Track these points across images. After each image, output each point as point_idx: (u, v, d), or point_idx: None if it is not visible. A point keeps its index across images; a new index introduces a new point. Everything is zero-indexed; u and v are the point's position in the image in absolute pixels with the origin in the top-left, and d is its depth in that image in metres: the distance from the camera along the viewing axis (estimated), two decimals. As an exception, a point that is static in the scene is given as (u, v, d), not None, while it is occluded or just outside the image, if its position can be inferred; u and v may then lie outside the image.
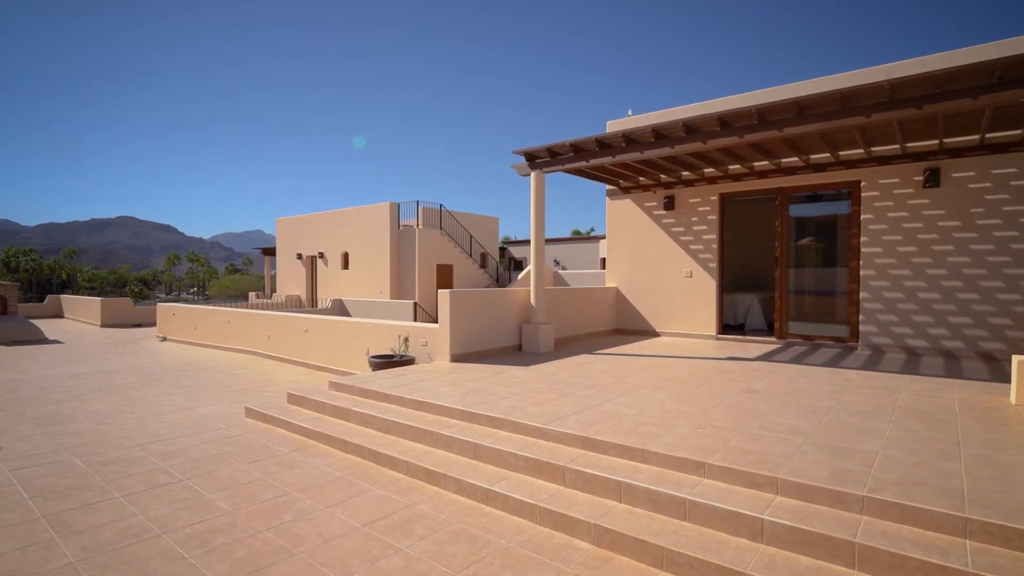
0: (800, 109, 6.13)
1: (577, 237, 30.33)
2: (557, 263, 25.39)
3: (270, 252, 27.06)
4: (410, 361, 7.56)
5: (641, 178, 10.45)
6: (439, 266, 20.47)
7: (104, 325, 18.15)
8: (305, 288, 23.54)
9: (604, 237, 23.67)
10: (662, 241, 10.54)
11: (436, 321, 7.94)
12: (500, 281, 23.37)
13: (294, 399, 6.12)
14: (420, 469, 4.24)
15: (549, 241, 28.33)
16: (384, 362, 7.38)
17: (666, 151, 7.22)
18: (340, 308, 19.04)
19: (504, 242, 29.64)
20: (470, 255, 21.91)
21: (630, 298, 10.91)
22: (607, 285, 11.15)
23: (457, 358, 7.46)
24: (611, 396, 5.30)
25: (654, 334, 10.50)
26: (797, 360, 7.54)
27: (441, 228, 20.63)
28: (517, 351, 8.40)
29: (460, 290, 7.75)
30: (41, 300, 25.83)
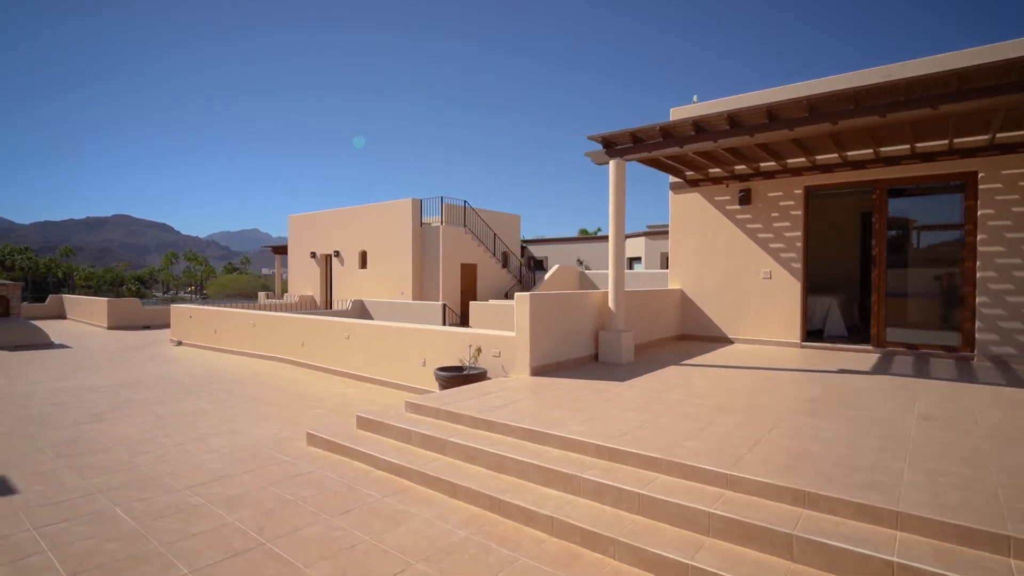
0: (909, 89, 5.24)
1: (605, 236, 29.00)
2: (580, 263, 24.43)
3: (281, 250, 25.99)
4: (482, 375, 6.59)
5: (712, 169, 9.50)
6: (463, 265, 19.49)
7: (111, 327, 17.10)
8: (320, 288, 22.53)
9: (634, 236, 22.73)
10: (736, 239, 9.59)
11: (466, 324, 6.97)
12: (523, 282, 22.41)
13: (366, 424, 5.14)
14: (571, 528, 3.28)
15: (570, 240, 27.35)
16: (454, 376, 6.41)
17: (783, 134, 6.27)
18: (361, 310, 18.04)
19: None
20: (494, 254, 20.93)
21: (697, 301, 9.97)
22: (670, 287, 10.21)
23: (537, 371, 6.50)
24: (765, 424, 4.34)
25: (726, 341, 9.56)
26: (923, 374, 6.60)
27: (465, 226, 19.65)
28: (593, 361, 7.45)
29: (541, 293, 6.81)
30: (41, 300, 24.77)
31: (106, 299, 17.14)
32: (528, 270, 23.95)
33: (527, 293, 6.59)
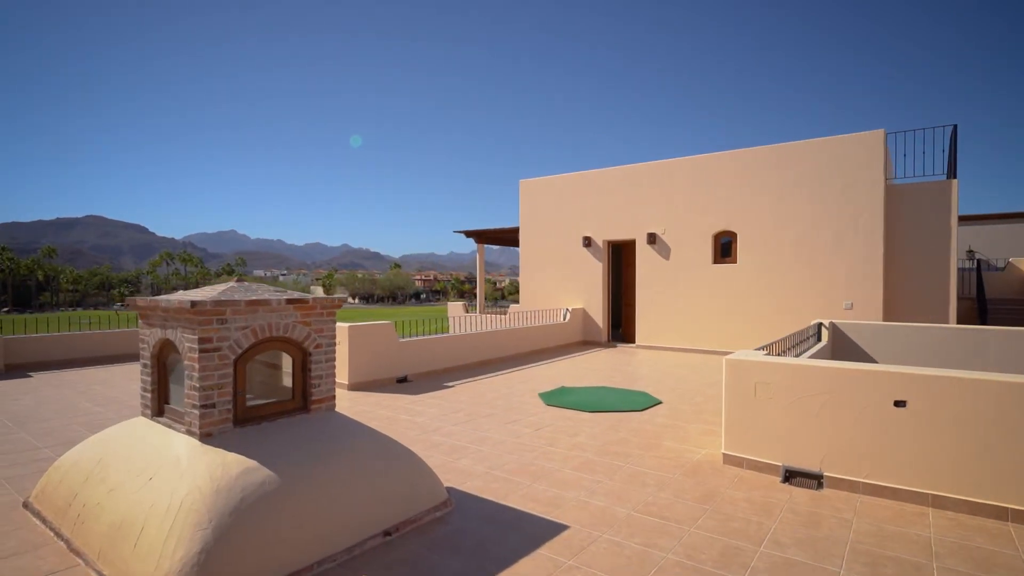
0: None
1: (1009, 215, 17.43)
2: (972, 254, 15.78)
3: (486, 237, 16.72)
4: None
5: None
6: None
7: (353, 386, 7.94)
8: (602, 297, 13.49)
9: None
10: None
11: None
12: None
13: None
14: None
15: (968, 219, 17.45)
16: None
17: None
18: (832, 345, 9.12)
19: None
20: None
21: None
22: None
23: None
24: None
25: None
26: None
27: (956, 177, 10.84)
28: None
29: None
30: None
31: (345, 325, 7.91)
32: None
33: None
